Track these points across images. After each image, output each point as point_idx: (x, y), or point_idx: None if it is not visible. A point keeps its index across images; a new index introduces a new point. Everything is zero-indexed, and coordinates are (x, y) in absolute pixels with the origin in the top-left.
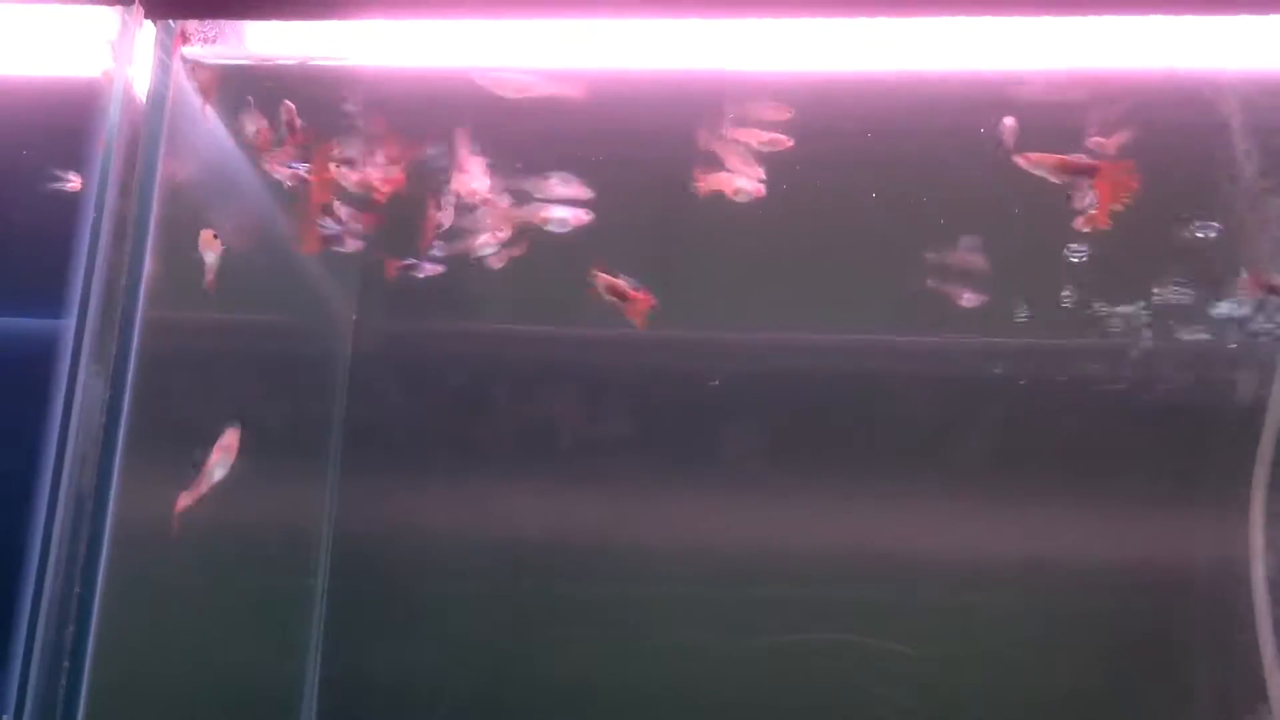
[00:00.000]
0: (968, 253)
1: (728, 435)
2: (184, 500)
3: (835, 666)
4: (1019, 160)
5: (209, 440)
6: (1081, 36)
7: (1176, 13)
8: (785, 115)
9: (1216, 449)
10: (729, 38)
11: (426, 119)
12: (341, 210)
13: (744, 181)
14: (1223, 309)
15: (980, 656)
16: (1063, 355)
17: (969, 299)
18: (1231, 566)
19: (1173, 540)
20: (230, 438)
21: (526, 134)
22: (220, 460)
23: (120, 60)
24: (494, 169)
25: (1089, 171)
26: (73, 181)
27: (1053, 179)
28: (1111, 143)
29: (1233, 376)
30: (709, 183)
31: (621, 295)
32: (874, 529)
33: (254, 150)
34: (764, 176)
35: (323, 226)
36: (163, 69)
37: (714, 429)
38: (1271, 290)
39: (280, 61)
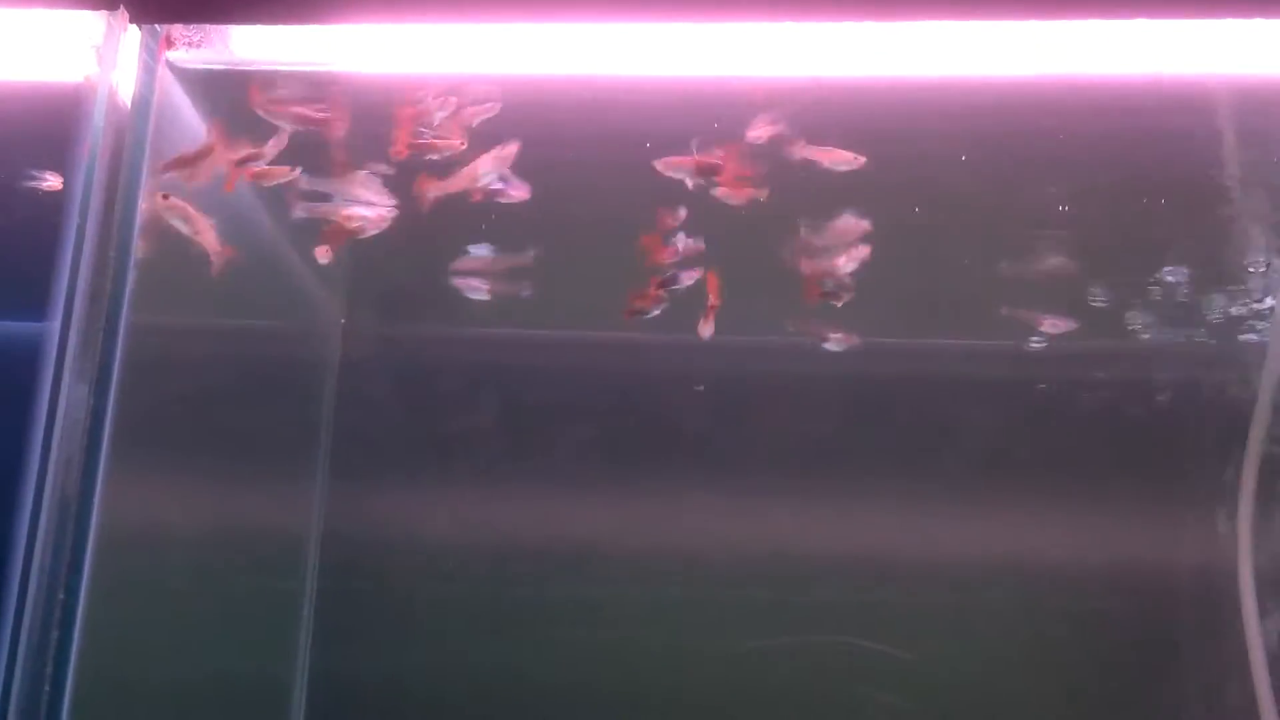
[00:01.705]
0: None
1: (720, 439)
2: (433, 188)
3: (829, 669)
4: (658, 165)
5: (195, 447)
6: (1062, 40)
7: (1164, 16)
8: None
9: (1204, 451)
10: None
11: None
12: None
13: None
14: (1209, 310)
15: (974, 659)
16: (1054, 359)
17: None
18: (1219, 568)
19: (1162, 543)
20: (510, 149)
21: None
22: (492, 167)
23: (105, 65)
24: None
25: (714, 170)
26: (51, 181)
27: (690, 181)
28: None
29: (1219, 378)
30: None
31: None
32: (867, 532)
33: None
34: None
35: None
36: (148, 74)
37: (706, 433)
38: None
39: (266, 66)
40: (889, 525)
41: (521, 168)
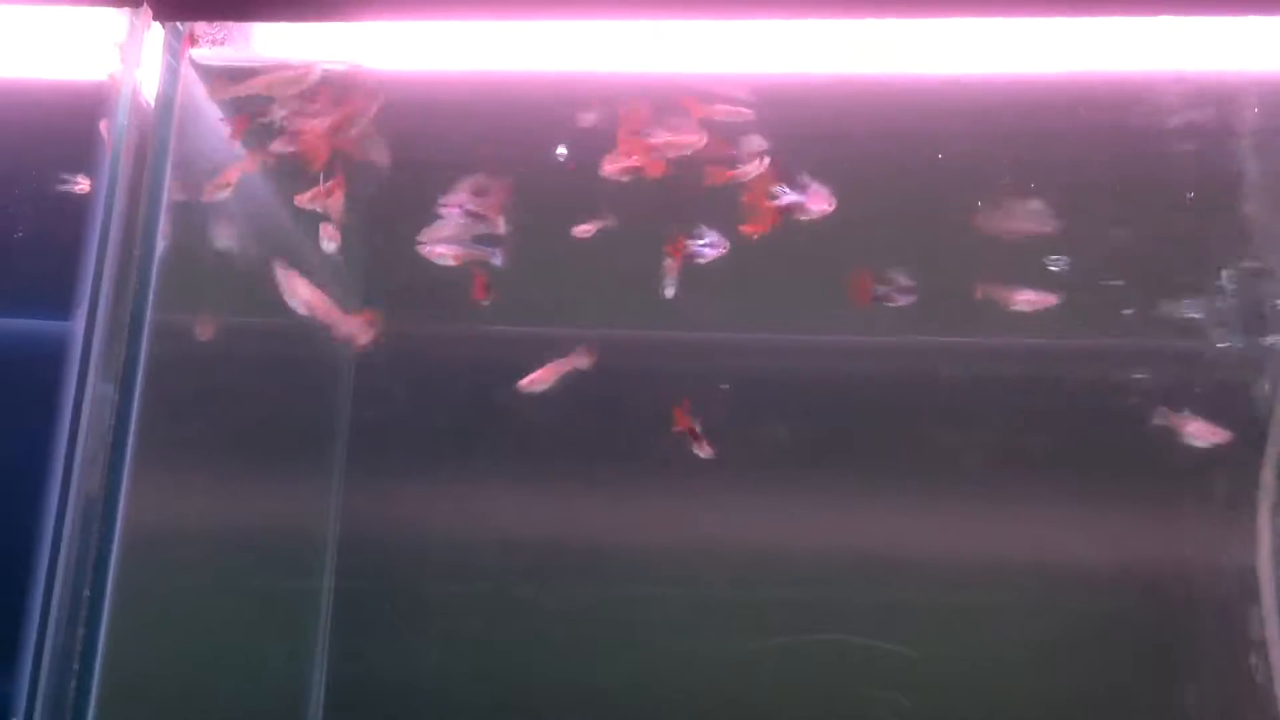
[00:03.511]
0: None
1: (730, 438)
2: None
3: (835, 668)
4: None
5: (216, 445)
6: (1080, 38)
7: (1186, 14)
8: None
9: (1223, 450)
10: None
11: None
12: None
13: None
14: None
15: (982, 658)
16: (1067, 356)
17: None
18: (1238, 569)
19: (1178, 542)
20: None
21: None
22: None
23: (128, 63)
24: None
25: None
26: (81, 184)
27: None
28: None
29: (1238, 378)
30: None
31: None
32: (876, 530)
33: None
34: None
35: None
36: (171, 71)
37: (717, 432)
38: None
39: (288, 64)
40: (899, 524)
41: (526, 169)
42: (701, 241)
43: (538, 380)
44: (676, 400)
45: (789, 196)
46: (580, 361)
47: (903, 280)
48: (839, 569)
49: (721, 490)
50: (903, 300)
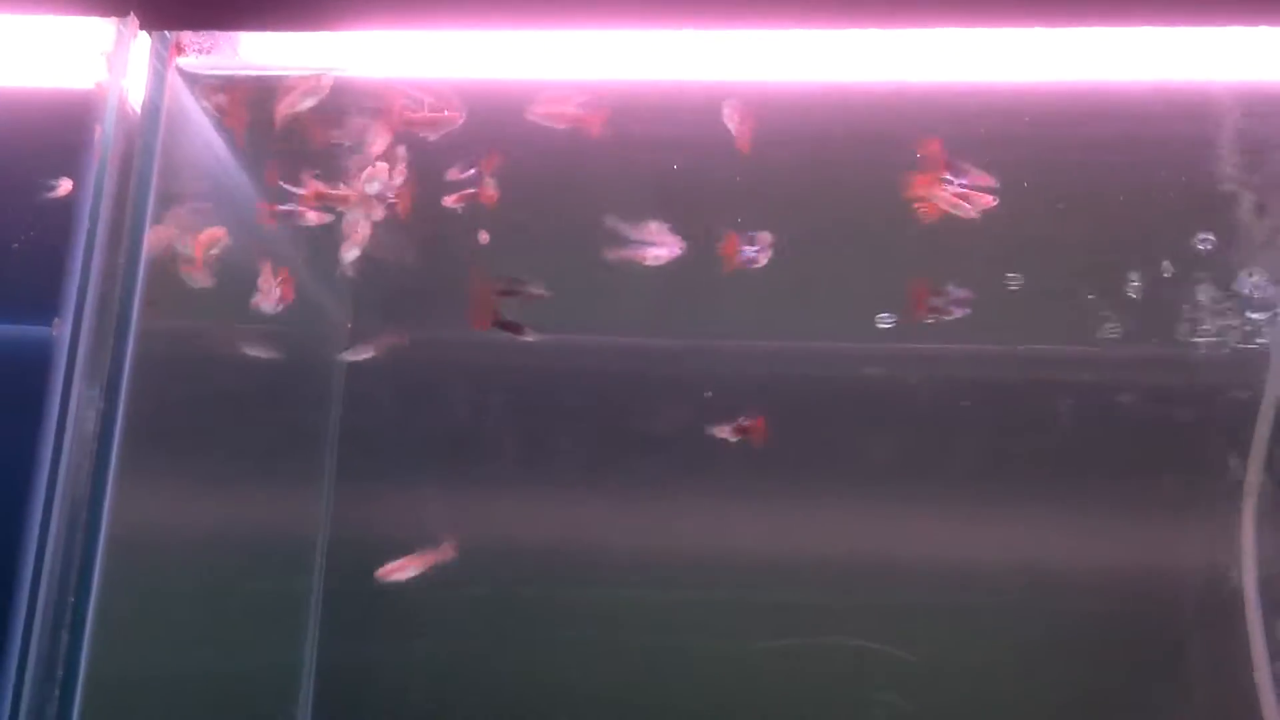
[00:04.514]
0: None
1: (724, 442)
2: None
3: (832, 671)
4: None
5: (204, 450)
6: (1063, 48)
7: (1169, 24)
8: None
9: (1208, 453)
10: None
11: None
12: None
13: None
14: (1215, 311)
15: (976, 661)
16: (1057, 361)
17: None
18: (1223, 571)
19: (1165, 545)
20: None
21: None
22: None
23: (115, 71)
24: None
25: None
26: (64, 185)
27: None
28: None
29: (1224, 381)
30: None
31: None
32: (871, 533)
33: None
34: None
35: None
36: (158, 80)
37: (711, 436)
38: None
39: (275, 72)
40: (896, 528)
41: (520, 174)
42: (754, 248)
43: (395, 570)
44: (668, 406)
45: (955, 186)
46: (443, 555)
47: (958, 293)
48: (838, 573)
49: (716, 495)
50: (958, 312)
